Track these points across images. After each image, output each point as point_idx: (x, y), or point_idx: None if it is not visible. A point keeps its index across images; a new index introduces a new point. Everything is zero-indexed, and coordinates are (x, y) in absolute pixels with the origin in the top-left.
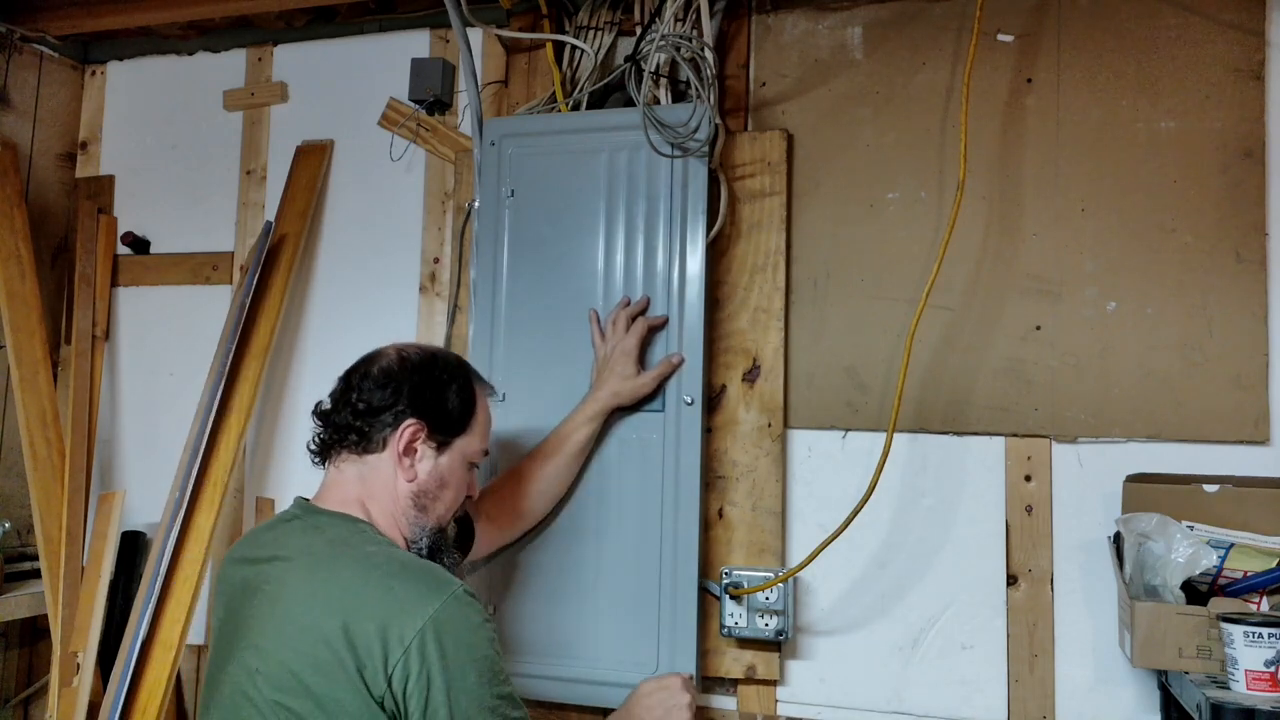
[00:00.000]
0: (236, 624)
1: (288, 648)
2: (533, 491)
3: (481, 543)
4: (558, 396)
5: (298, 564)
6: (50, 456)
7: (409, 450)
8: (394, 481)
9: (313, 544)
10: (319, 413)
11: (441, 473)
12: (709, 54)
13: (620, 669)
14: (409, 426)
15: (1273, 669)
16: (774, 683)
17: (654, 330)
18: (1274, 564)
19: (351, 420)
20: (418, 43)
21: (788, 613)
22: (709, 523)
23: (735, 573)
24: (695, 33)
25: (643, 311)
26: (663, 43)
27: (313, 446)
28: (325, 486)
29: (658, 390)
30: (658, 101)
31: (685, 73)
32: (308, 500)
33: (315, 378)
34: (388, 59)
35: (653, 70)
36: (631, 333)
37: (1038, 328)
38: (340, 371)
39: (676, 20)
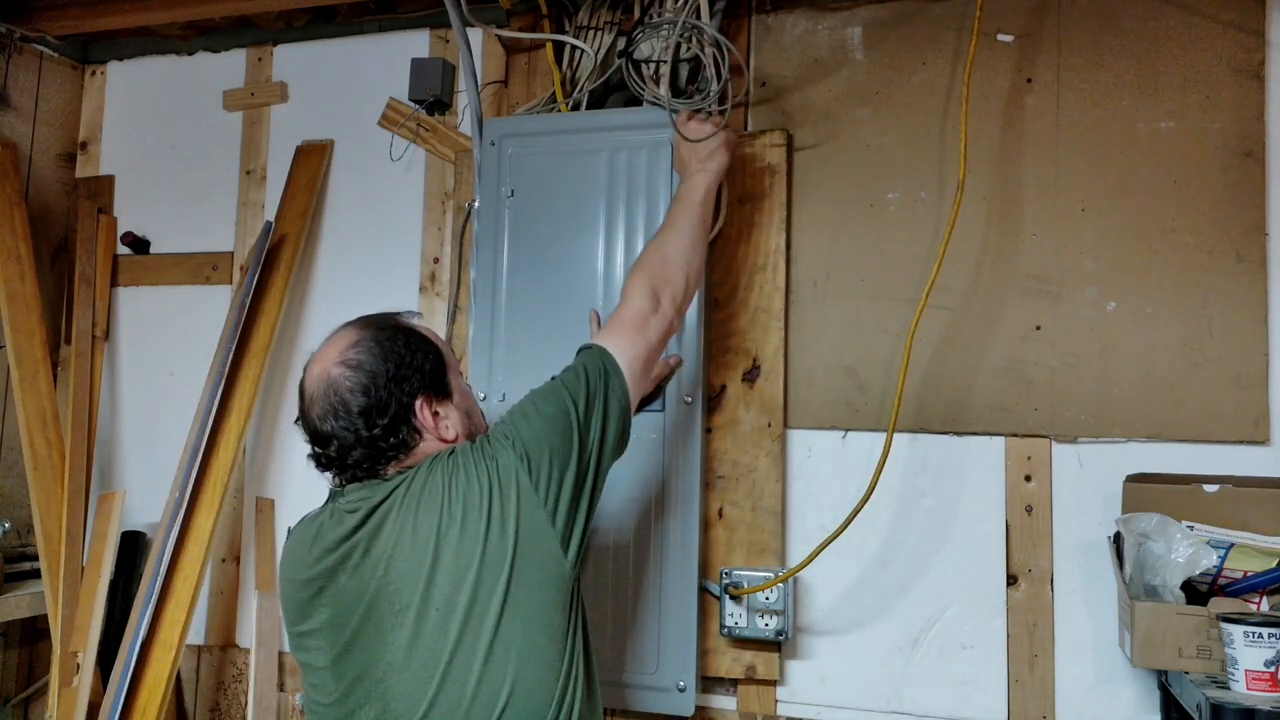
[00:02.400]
0: (370, 603)
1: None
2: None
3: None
4: None
5: (396, 505)
6: (50, 456)
7: (435, 418)
8: (440, 443)
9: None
10: (331, 457)
11: (465, 410)
12: (721, 38)
13: (620, 668)
14: (422, 407)
15: (1273, 669)
16: (774, 683)
17: None
18: (1274, 564)
19: (377, 444)
20: (418, 43)
21: (788, 613)
22: (709, 523)
23: (735, 573)
24: (708, 22)
25: None
26: (667, 29)
27: (358, 475)
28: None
29: (657, 392)
30: (657, 97)
31: (684, 72)
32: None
33: None
34: (388, 59)
35: (653, 60)
36: None
37: (1038, 328)
38: None
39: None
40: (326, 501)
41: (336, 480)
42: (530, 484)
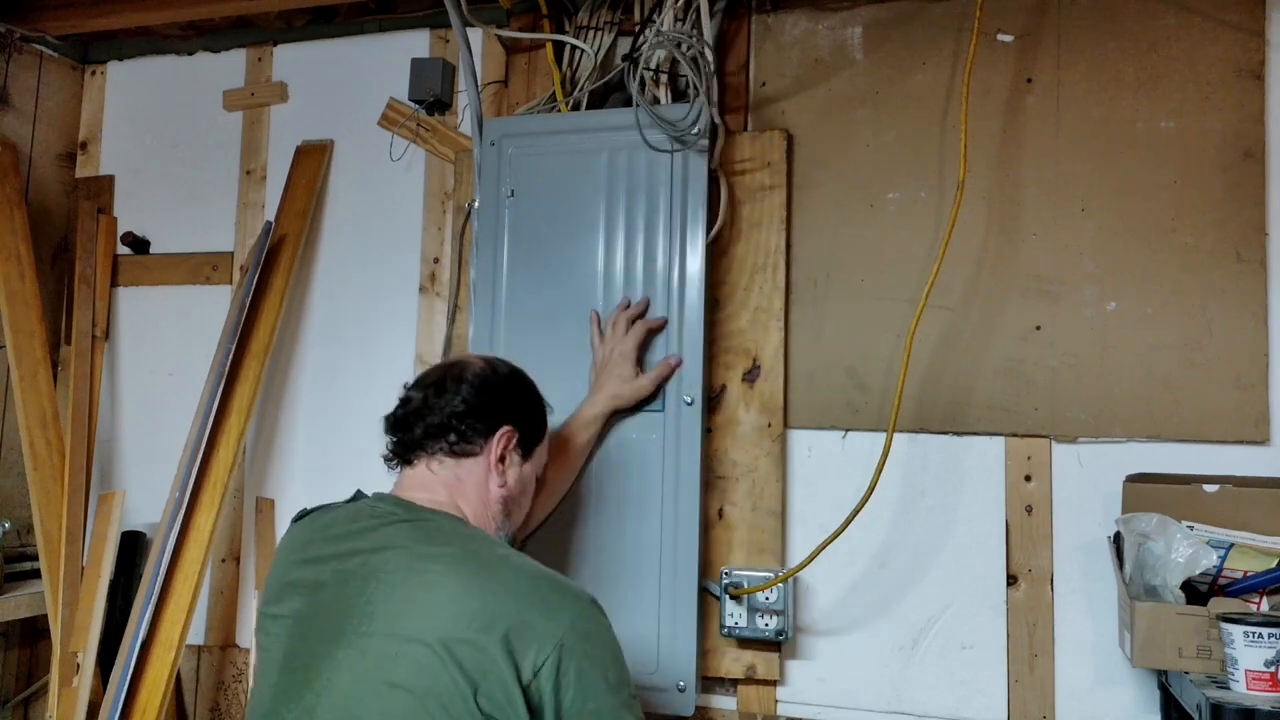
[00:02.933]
0: (341, 612)
1: (438, 632)
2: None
3: None
4: (558, 396)
5: (437, 559)
6: (50, 456)
7: (503, 456)
8: (485, 486)
9: (436, 541)
10: (402, 415)
11: (525, 481)
12: (708, 51)
13: None
14: (505, 433)
15: (1273, 669)
16: (774, 683)
17: (653, 333)
18: (1274, 564)
19: (452, 421)
20: (418, 43)
21: (788, 613)
22: (709, 523)
23: (735, 573)
24: (695, 31)
25: (643, 314)
26: (658, 39)
27: (398, 448)
28: (409, 486)
29: (657, 392)
30: (657, 101)
31: (685, 71)
32: (400, 498)
33: (315, 378)
34: (388, 59)
35: (651, 68)
36: (630, 335)
37: (1038, 328)
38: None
39: (677, 20)
40: (348, 500)
41: (390, 444)
42: (551, 695)
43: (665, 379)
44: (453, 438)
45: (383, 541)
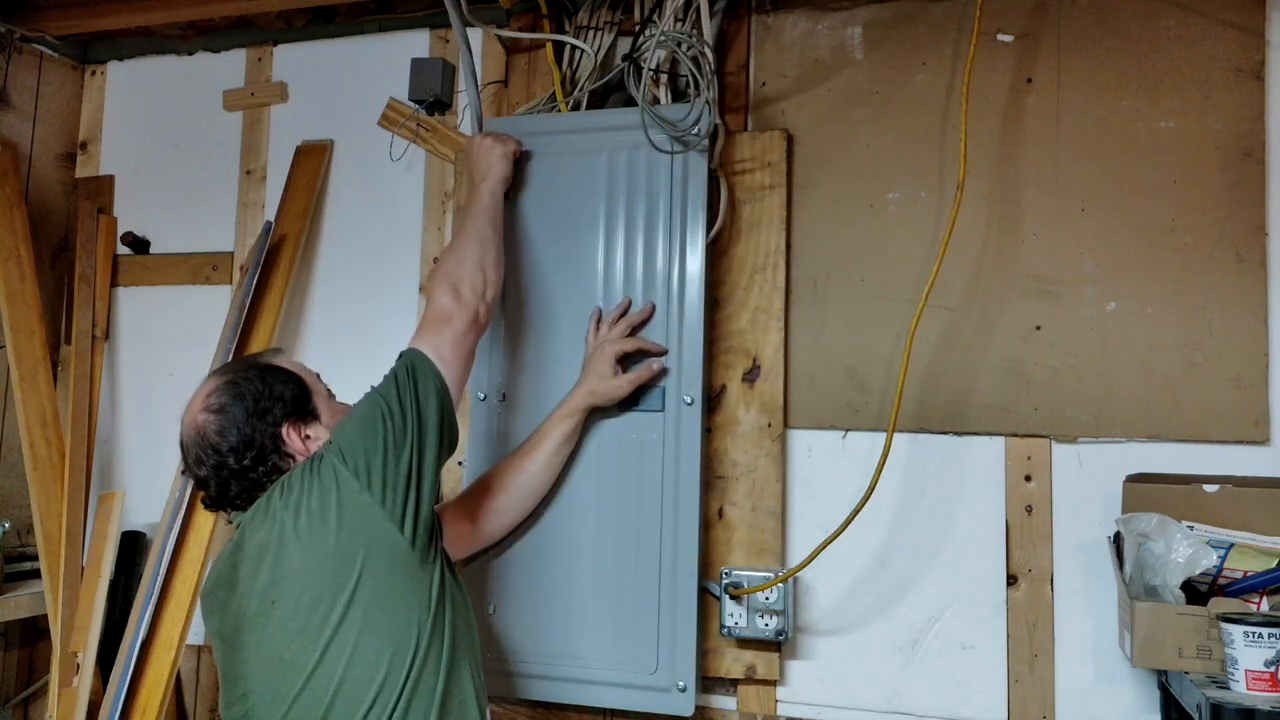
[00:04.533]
0: (240, 610)
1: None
2: (510, 486)
3: (458, 542)
4: (557, 396)
5: (257, 520)
6: (50, 456)
7: (304, 441)
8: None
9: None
10: (215, 495)
11: (331, 412)
12: (708, 51)
13: (620, 669)
14: (289, 430)
15: (1273, 669)
16: (774, 683)
17: (636, 328)
18: (1274, 564)
19: (251, 476)
20: (418, 43)
21: (788, 613)
22: (709, 523)
23: (735, 573)
24: (695, 31)
25: (645, 321)
26: (663, 39)
27: (242, 506)
28: None
29: (637, 395)
30: (658, 101)
31: (685, 71)
32: None
33: None
34: (388, 59)
35: (652, 68)
36: (613, 333)
37: (1038, 328)
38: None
39: (676, 20)
40: None
41: (228, 518)
42: (350, 474)
43: (645, 383)
44: (265, 479)
45: (243, 536)
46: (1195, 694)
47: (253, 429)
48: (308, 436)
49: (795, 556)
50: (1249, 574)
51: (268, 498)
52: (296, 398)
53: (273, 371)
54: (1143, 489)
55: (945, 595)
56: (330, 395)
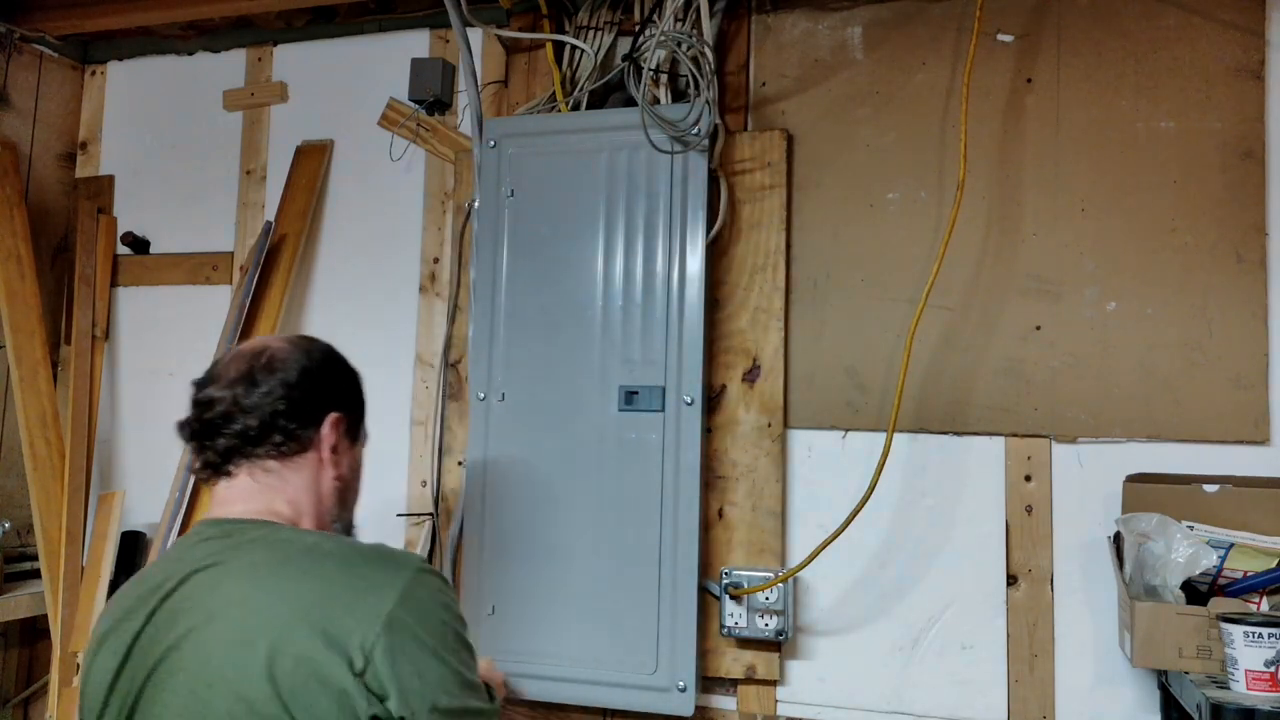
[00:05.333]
0: (156, 652)
1: (243, 670)
2: None
3: None
4: (557, 396)
5: (233, 575)
6: (50, 456)
7: (335, 446)
8: (318, 481)
9: (243, 553)
10: (206, 421)
11: (357, 463)
12: (708, 51)
13: (620, 669)
14: (334, 421)
15: (1273, 669)
16: (774, 683)
17: None
18: (1274, 564)
19: (276, 422)
20: (418, 43)
21: (788, 613)
22: (709, 523)
23: (735, 573)
24: (695, 31)
25: None
26: (663, 39)
27: (205, 461)
28: (227, 500)
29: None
30: (657, 101)
31: (685, 71)
32: (215, 518)
33: None
34: (388, 59)
35: (652, 68)
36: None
37: (1038, 328)
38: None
39: (676, 20)
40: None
41: (197, 456)
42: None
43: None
44: (278, 438)
45: (190, 568)
46: (1195, 694)
47: (318, 385)
48: (338, 445)
49: (795, 556)
50: (1249, 574)
51: (274, 560)
52: (359, 409)
53: (356, 376)
54: (1143, 489)
55: (945, 595)
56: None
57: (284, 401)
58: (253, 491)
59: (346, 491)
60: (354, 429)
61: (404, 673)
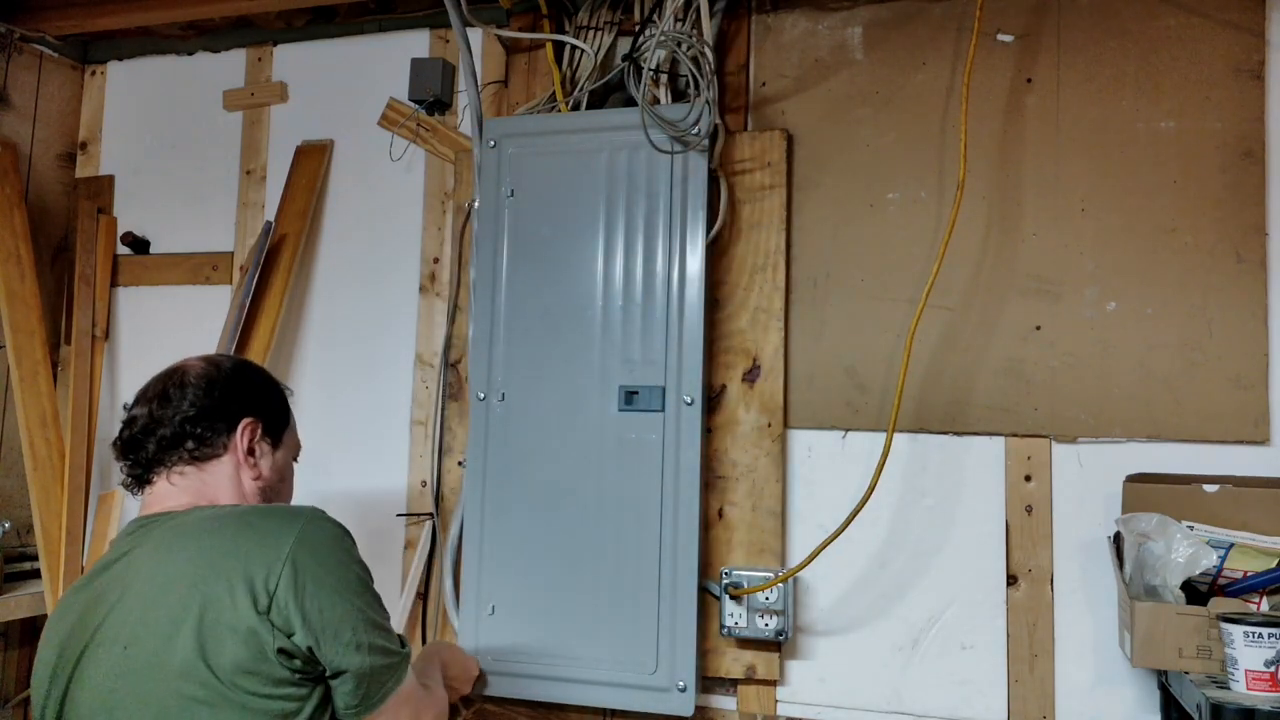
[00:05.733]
0: (84, 635)
1: (156, 627)
2: None
3: None
4: (557, 396)
5: (146, 552)
6: (50, 456)
7: (251, 449)
8: (238, 483)
9: (154, 535)
10: (130, 437)
11: (281, 468)
12: (708, 51)
13: (620, 669)
14: (247, 425)
15: (1273, 669)
16: (774, 683)
17: None
18: (1274, 564)
19: (185, 429)
20: (418, 43)
21: (788, 613)
22: (709, 523)
23: (735, 573)
24: (695, 31)
25: None
26: (663, 39)
27: (134, 470)
28: (151, 504)
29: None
30: (657, 101)
31: (685, 71)
32: (142, 516)
33: (315, 378)
34: (388, 59)
35: (652, 68)
36: None
37: (1038, 328)
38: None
39: (676, 19)
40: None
41: (125, 469)
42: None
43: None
44: (190, 444)
45: (112, 558)
46: (1195, 694)
47: (225, 397)
48: (255, 449)
49: (795, 556)
50: (1249, 574)
51: (187, 531)
52: (276, 414)
53: (277, 387)
54: (1143, 489)
55: (945, 595)
56: (295, 458)
57: (193, 409)
58: (171, 494)
59: (269, 491)
60: (273, 433)
61: (307, 607)
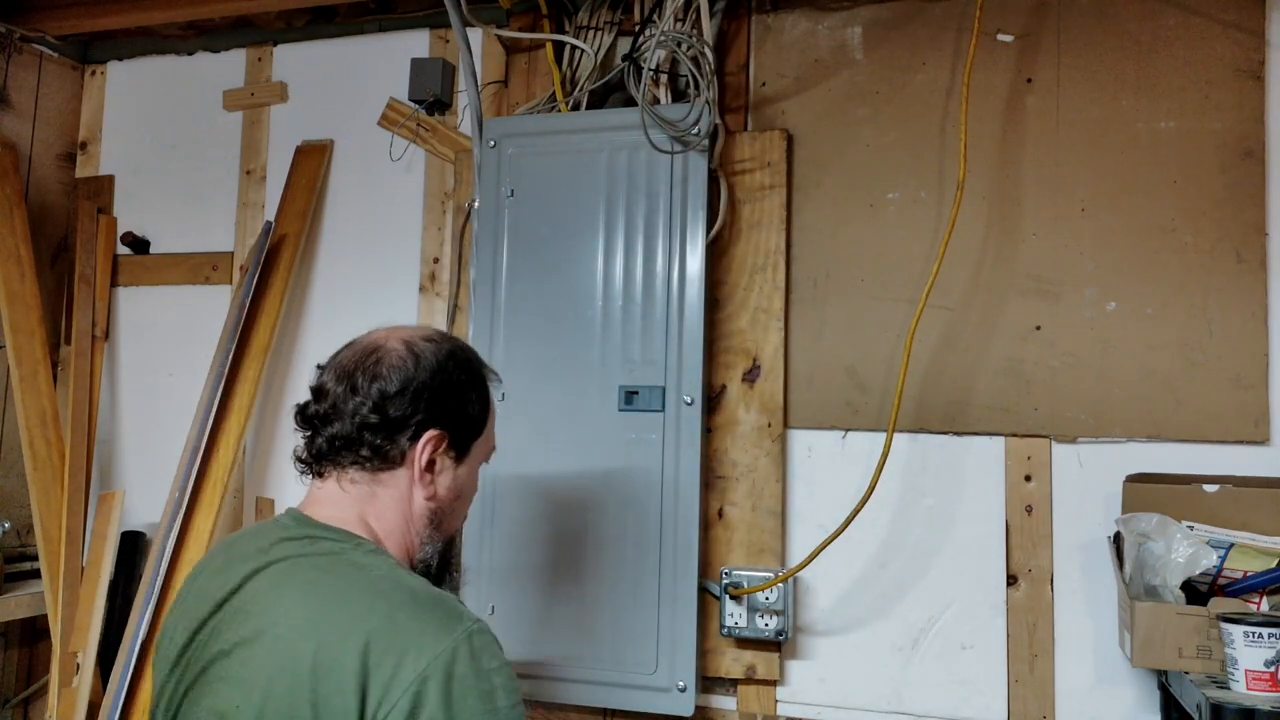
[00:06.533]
0: (208, 650)
1: (273, 685)
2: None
3: None
4: (557, 396)
5: (285, 588)
6: (50, 456)
7: (431, 463)
8: (408, 499)
9: (301, 564)
10: (310, 416)
11: (460, 484)
12: (708, 51)
13: (620, 669)
14: (430, 439)
15: (1273, 669)
16: (774, 683)
17: None
18: (1274, 564)
19: (363, 435)
20: (418, 43)
21: (787, 613)
22: (709, 523)
23: (735, 573)
24: (695, 31)
25: None
26: (663, 39)
27: (303, 455)
28: (319, 501)
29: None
30: (657, 101)
31: (685, 71)
32: (300, 512)
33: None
34: (388, 59)
35: (652, 68)
36: None
37: (1038, 328)
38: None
39: (676, 20)
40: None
41: (302, 443)
42: None
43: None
44: (366, 452)
45: (265, 561)
46: (1195, 694)
47: (410, 410)
48: (435, 462)
49: (795, 556)
50: (1249, 574)
51: (336, 585)
52: (470, 424)
53: (482, 386)
54: (1143, 489)
55: (945, 595)
56: (486, 460)
57: (375, 414)
58: (339, 499)
59: (441, 513)
60: (462, 445)
61: None
